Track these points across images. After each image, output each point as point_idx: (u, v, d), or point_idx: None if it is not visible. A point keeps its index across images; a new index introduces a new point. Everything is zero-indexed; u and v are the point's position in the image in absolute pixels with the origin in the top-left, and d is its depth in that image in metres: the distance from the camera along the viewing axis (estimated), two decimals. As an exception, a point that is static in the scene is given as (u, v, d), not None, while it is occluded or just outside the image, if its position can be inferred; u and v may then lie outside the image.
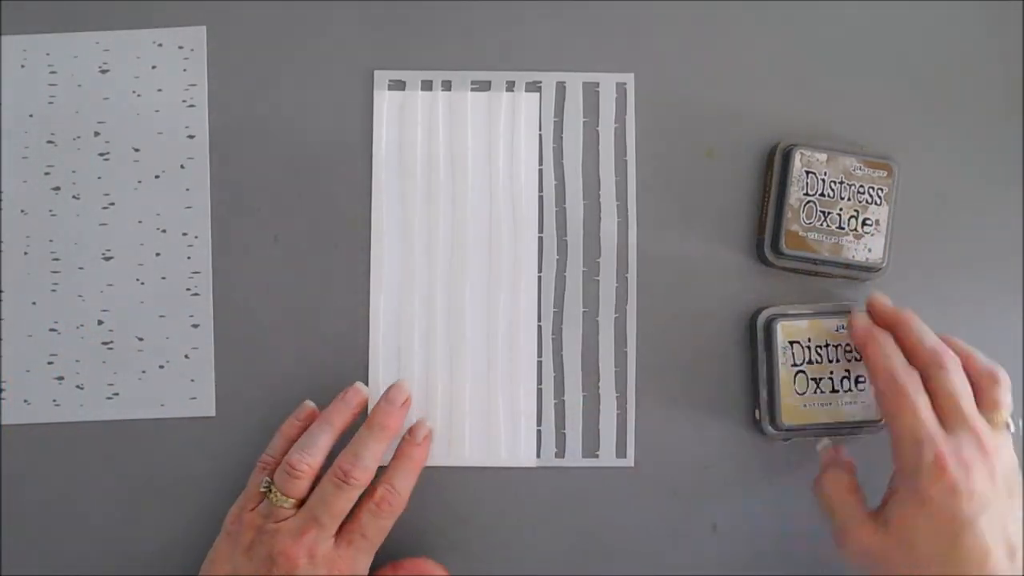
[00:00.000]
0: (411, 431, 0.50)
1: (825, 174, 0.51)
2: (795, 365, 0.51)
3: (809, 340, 0.51)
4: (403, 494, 0.48)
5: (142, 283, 0.53)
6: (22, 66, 0.53)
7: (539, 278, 0.53)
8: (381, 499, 0.47)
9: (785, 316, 0.51)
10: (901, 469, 0.44)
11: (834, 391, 0.51)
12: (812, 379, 0.51)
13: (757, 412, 0.52)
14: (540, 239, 0.53)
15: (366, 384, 0.52)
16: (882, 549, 0.44)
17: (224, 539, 0.48)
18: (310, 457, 0.47)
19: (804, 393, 0.50)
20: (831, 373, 0.51)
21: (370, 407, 0.51)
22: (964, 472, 0.42)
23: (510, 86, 0.54)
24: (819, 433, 0.51)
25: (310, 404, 0.50)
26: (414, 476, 0.49)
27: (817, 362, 0.51)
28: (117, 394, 0.52)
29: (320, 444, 0.47)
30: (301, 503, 0.47)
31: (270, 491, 0.47)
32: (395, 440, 0.50)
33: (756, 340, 0.51)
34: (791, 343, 0.51)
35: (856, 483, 0.48)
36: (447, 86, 0.54)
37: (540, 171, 0.53)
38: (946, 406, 0.44)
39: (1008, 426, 0.46)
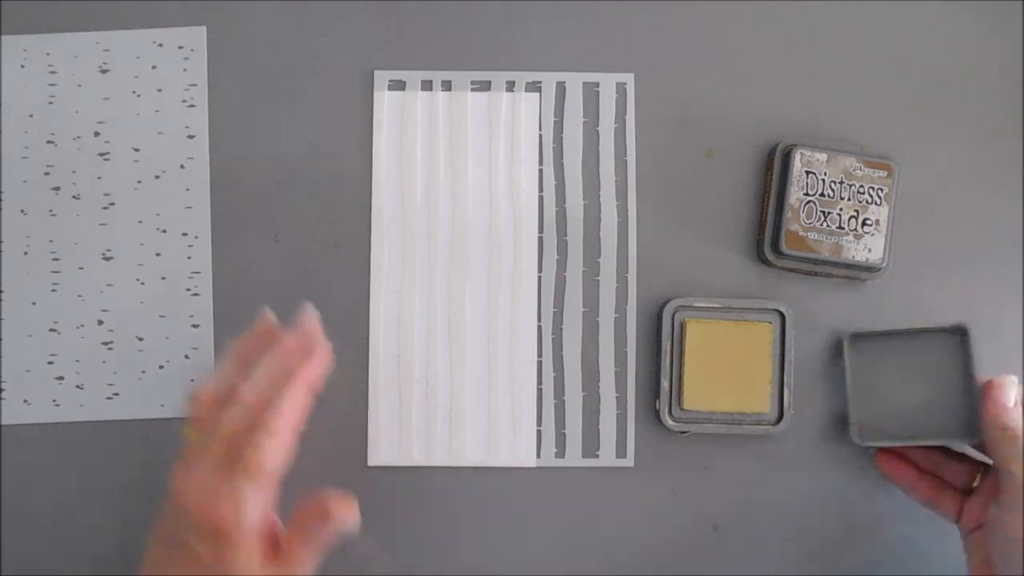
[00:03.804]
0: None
1: (825, 174, 0.51)
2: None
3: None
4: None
5: (142, 283, 0.53)
6: (22, 66, 0.53)
7: (539, 278, 0.53)
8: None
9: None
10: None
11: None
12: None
13: (657, 403, 0.52)
14: (540, 239, 0.53)
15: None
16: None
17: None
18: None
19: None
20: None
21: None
22: None
23: (510, 86, 0.54)
24: (715, 425, 0.51)
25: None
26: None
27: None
28: (117, 394, 0.52)
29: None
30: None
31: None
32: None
33: (661, 330, 0.52)
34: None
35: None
36: (447, 86, 0.54)
37: (540, 171, 0.53)
38: None
39: None
